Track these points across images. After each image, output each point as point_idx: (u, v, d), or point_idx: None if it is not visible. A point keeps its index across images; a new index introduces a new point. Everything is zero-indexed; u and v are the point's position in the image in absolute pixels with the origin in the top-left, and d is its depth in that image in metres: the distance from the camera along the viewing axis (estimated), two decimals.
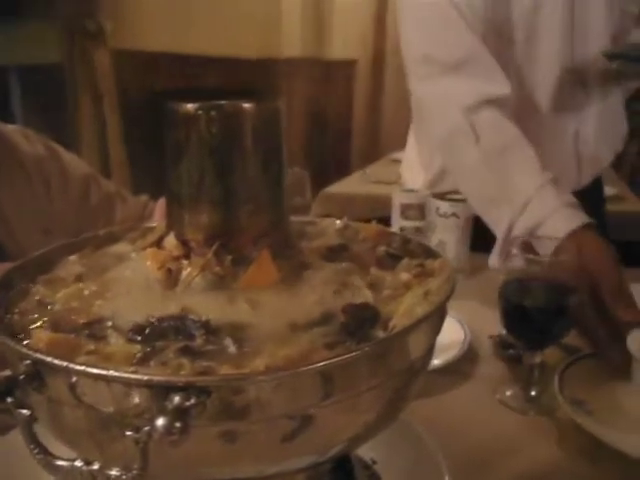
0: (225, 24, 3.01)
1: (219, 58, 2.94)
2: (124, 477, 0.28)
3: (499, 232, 0.92)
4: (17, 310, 0.39)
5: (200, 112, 0.39)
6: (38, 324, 0.36)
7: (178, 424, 0.26)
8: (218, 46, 2.93)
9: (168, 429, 0.26)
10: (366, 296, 0.39)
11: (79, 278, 0.44)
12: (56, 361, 0.29)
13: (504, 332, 0.79)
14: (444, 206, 1.09)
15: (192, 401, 0.27)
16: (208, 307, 0.37)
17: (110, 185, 1.19)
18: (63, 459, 0.29)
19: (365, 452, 0.57)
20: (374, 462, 0.57)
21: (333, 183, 2.23)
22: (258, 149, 0.40)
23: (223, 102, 0.40)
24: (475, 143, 0.96)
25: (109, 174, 2.41)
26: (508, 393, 0.73)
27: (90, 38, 2.31)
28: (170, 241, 0.41)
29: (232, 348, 0.33)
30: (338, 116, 3.72)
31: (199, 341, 0.33)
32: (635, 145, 2.75)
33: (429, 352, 0.41)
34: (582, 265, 0.76)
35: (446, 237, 1.11)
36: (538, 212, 0.87)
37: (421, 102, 1.12)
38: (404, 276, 0.42)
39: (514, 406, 0.71)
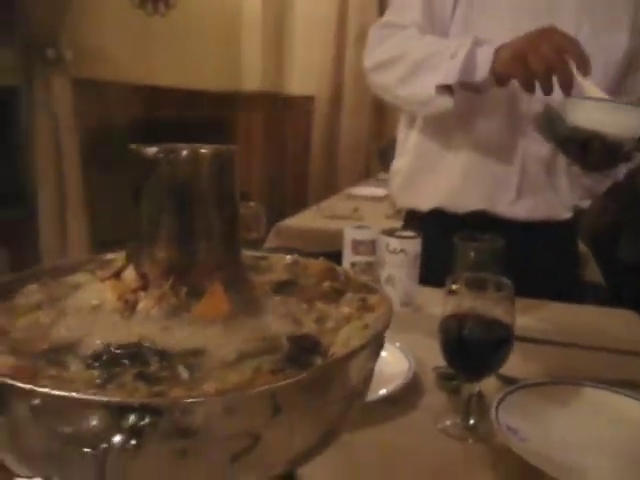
0: (185, 56, 3.06)
1: (178, 90, 2.98)
2: None
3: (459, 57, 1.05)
4: None
5: (160, 155, 0.42)
6: None
7: (133, 441, 0.29)
8: (178, 78, 2.98)
9: (124, 446, 0.29)
10: (310, 328, 0.43)
11: (39, 306, 0.46)
12: (20, 384, 0.31)
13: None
14: (393, 242, 1.14)
15: (146, 421, 0.30)
16: (163, 336, 0.39)
17: None
18: (23, 476, 0.31)
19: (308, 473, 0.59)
20: None
21: (289, 217, 2.27)
22: (213, 190, 0.44)
23: (182, 146, 0.43)
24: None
25: (65, 199, 2.40)
26: (448, 422, 0.77)
27: (50, 65, 2.32)
28: (129, 273, 0.43)
29: (185, 374, 0.36)
30: (296, 150, 3.80)
31: (154, 368, 0.36)
32: None
33: (367, 379, 0.44)
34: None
35: (395, 272, 1.15)
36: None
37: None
38: (346, 310, 0.46)
39: (454, 434, 0.75)
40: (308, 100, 3.73)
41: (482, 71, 1.03)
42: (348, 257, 1.20)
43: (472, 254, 1.08)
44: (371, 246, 1.18)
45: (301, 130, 3.76)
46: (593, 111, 0.89)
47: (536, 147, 1.19)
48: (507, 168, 1.22)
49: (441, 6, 1.16)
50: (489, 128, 1.20)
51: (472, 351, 0.74)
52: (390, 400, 0.80)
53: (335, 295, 0.50)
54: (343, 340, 0.39)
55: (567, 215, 1.29)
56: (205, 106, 3.23)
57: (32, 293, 0.50)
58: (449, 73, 1.05)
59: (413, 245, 1.14)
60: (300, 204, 2.93)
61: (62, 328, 0.42)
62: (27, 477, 0.31)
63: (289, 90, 3.72)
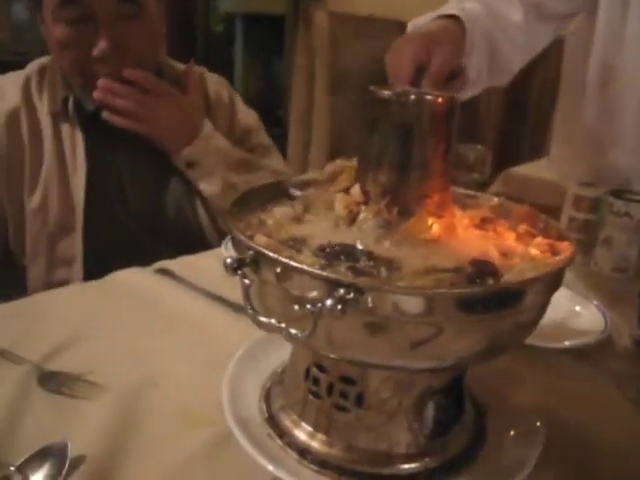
0: None
1: None
2: (299, 335, 0.43)
3: None
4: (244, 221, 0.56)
5: (392, 97, 0.52)
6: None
7: (339, 306, 0.40)
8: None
9: (333, 308, 0.40)
10: (496, 259, 0.50)
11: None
12: (271, 254, 0.45)
13: None
14: (618, 204, 1.10)
15: (350, 295, 0.41)
16: (373, 243, 0.50)
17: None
18: (264, 316, 0.45)
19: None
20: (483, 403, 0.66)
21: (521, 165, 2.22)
22: (432, 130, 0.52)
23: (411, 91, 0.52)
24: None
25: (310, 123, 2.64)
26: (632, 387, 0.78)
27: None
28: (356, 190, 0.55)
29: (384, 273, 0.46)
30: (540, 97, 3.60)
31: (362, 264, 0.47)
32: None
33: (537, 312, 0.50)
34: None
35: (615, 235, 1.12)
36: None
37: None
38: (533, 251, 0.52)
39: (633, 400, 0.76)
40: (557, 44, 3.46)
41: None
42: (567, 212, 1.19)
43: None
44: (593, 204, 1.16)
45: (548, 75, 3.54)
46: None
47: None
48: None
49: None
50: None
51: None
52: (573, 353, 0.82)
53: (527, 237, 0.55)
54: (517, 271, 0.46)
55: None
56: None
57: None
58: None
59: None
60: (537, 154, 2.82)
61: (301, 226, 0.55)
62: (267, 318, 0.45)
63: None
